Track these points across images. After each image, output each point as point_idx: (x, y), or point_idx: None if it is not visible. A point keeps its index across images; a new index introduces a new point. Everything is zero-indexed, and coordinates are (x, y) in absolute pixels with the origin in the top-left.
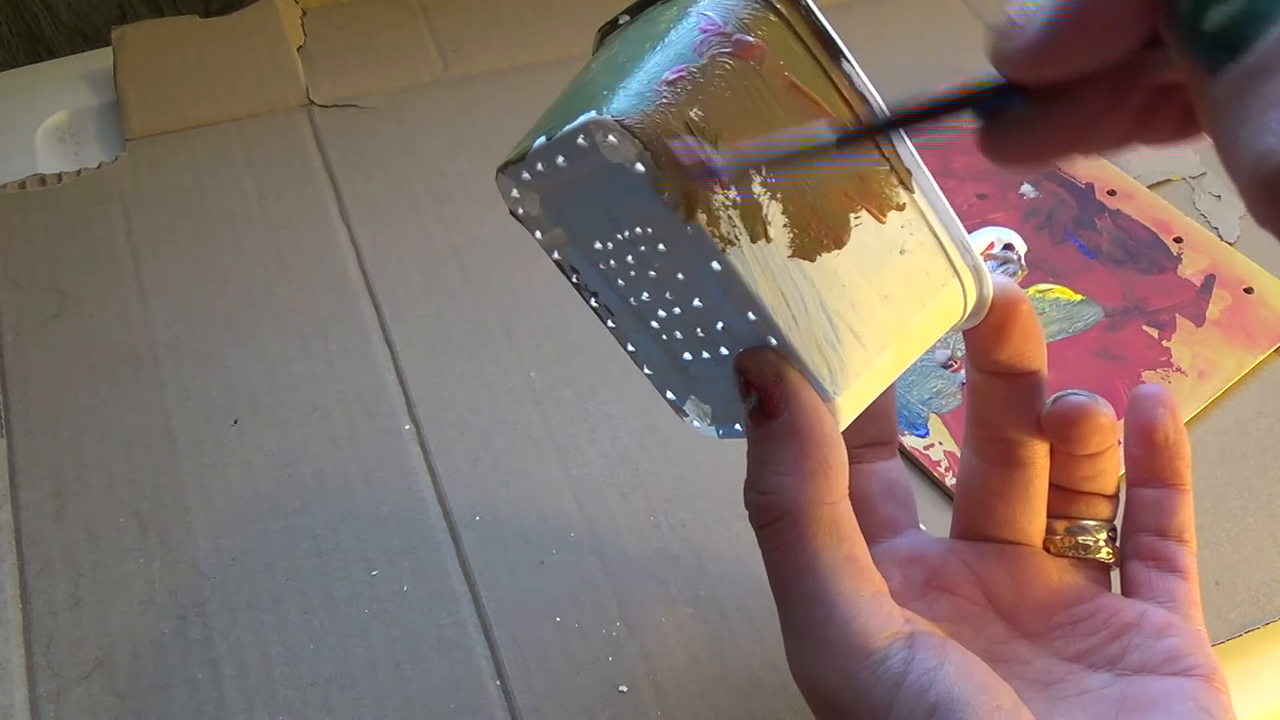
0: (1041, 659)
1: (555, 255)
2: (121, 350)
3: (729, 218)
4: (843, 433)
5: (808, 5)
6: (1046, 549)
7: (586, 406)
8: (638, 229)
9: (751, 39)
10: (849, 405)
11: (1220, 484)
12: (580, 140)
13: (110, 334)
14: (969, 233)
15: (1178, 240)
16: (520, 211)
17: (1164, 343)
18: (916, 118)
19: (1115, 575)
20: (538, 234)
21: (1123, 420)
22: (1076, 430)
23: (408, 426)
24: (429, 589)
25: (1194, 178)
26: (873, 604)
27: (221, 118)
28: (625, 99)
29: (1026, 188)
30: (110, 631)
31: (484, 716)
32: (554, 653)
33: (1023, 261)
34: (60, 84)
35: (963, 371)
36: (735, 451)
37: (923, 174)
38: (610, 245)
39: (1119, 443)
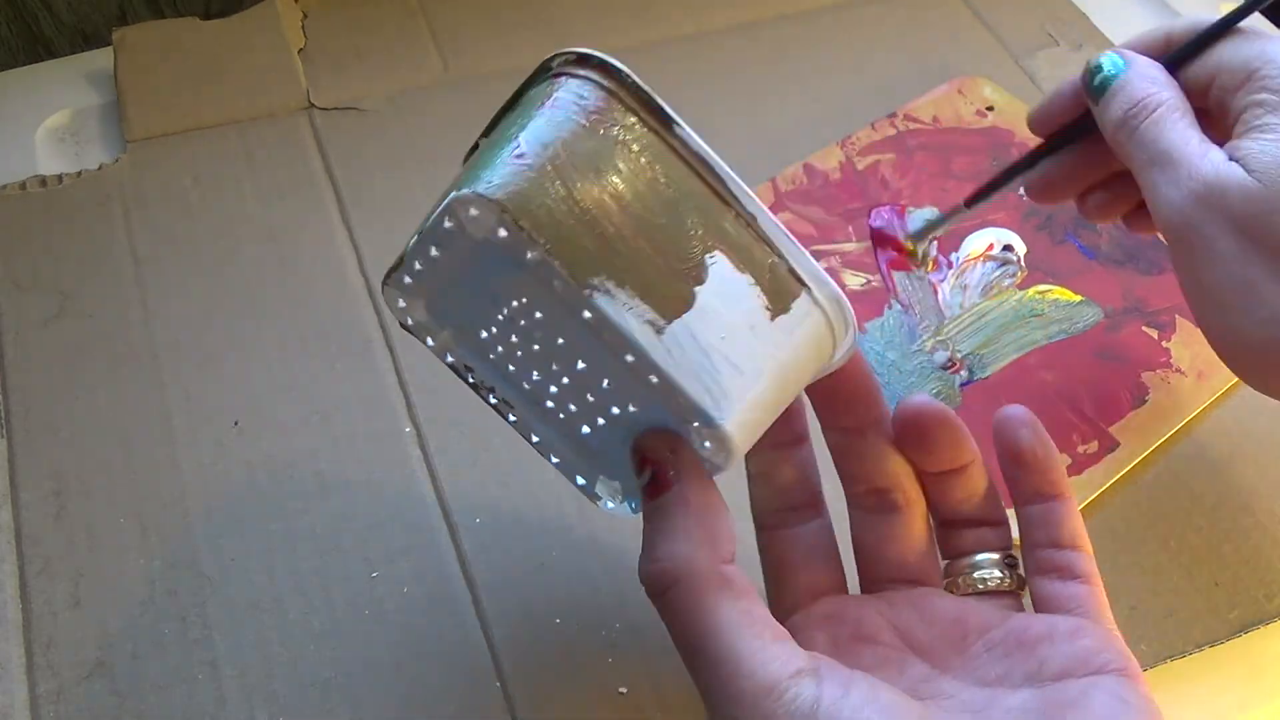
0: (965, 690)
1: (449, 359)
2: (121, 351)
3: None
4: (766, 500)
5: (633, 81)
6: (952, 590)
7: None
8: (514, 303)
9: (594, 112)
10: (740, 433)
11: (1220, 484)
12: (446, 223)
13: (110, 335)
14: (970, 233)
15: None
16: (409, 322)
17: (1164, 343)
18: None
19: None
20: (429, 341)
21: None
22: (921, 427)
23: (408, 428)
24: (429, 590)
25: None
26: (775, 648)
27: (222, 119)
28: (480, 178)
29: None
30: (110, 631)
31: (484, 717)
32: (554, 653)
33: (1022, 262)
34: (60, 84)
35: (963, 371)
36: None
37: (763, 213)
38: (495, 330)
39: (983, 467)
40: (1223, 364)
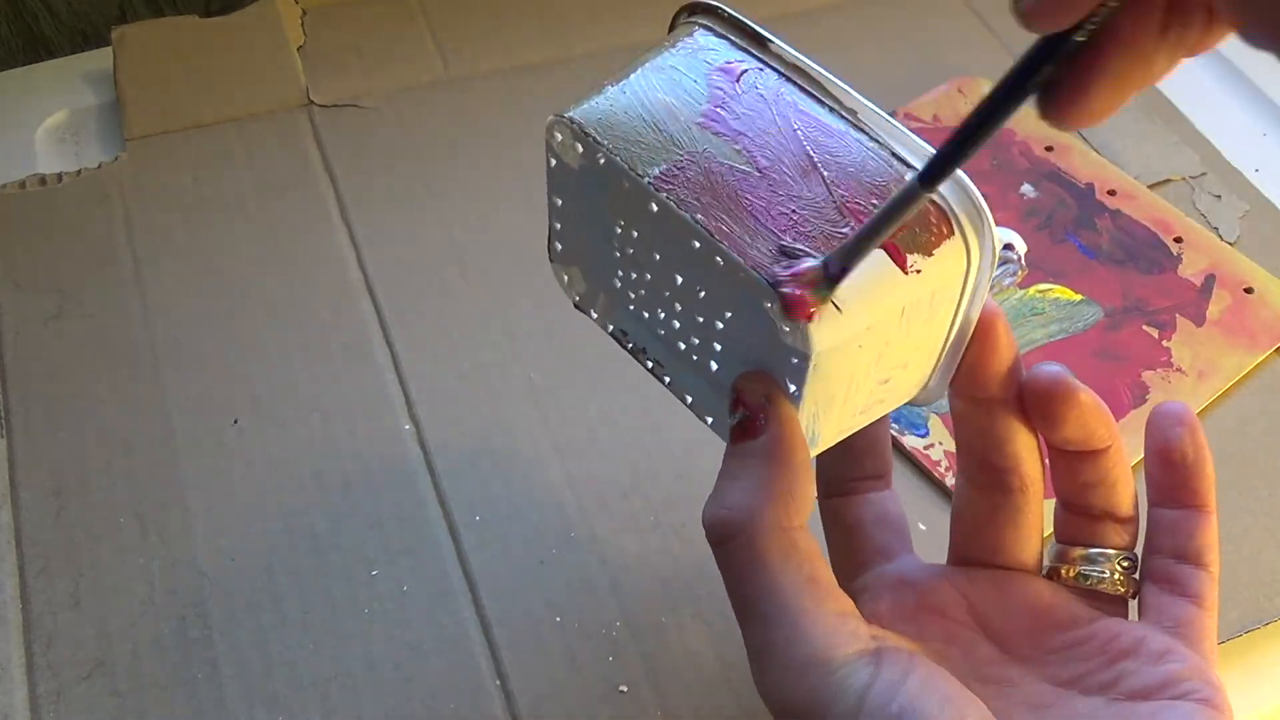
0: (1032, 683)
1: (610, 327)
2: (121, 350)
3: None
4: (839, 464)
5: (727, 13)
6: (1054, 577)
7: (586, 406)
8: (618, 229)
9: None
10: (829, 433)
11: (1220, 484)
12: (550, 161)
13: (110, 334)
14: None
15: (1178, 240)
16: (576, 296)
17: (1164, 343)
18: (975, 133)
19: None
20: (593, 313)
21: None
22: (1053, 401)
23: (407, 426)
24: (429, 589)
25: (1194, 178)
26: (836, 622)
27: (221, 118)
28: (568, 109)
29: (1026, 188)
30: (110, 631)
31: (484, 716)
32: (554, 653)
33: (1023, 261)
34: (60, 84)
35: None
36: None
37: (864, 108)
38: (621, 273)
39: (1125, 460)
40: (1223, 364)
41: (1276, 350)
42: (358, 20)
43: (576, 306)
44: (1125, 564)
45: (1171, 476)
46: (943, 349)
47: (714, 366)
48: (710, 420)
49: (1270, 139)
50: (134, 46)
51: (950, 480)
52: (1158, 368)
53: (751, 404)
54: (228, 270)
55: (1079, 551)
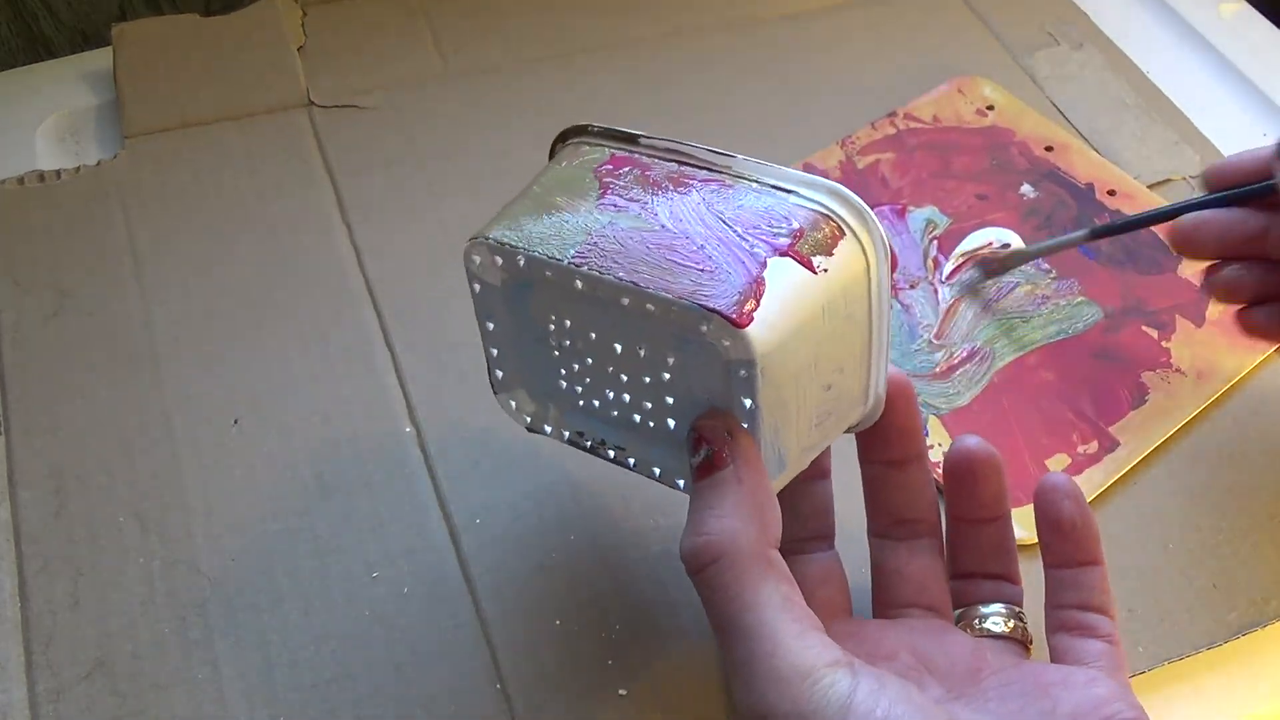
0: (979, 717)
1: (565, 435)
2: (121, 350)
3: None
4: (788, 525)
5: (598, 126)
6: (964, 630)
7: None
8: (551, 325)
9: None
10: (794, 449)
11: (1219, 485)
12: (475, 287)
13: (110, 333)
14: (969, 232)
15: None
16: (527, 419)
17: (1164, 343)
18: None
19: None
20: (547, 429)
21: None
22: (971, 469)
23: (408, 428)
24: (429, 591)
25: (1194, 178)
26: (814, 637)
27: (221, 117)
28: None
29: (1026, 188)
30: (110, 631)
31: (484, 717)
32: (554, 655)
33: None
34: (60, 83)
35: (968, 366)
36: None
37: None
38: (564, 371)
39: (1010, 530)
40: (1223, 364)
41: (1276, 350)
42: (358, 20)
43: (529, 429)
44: (1019, 613)
45: (1066, 543)
46: (869, 350)
47: (672, 424)
48: (682, 484)
49: (1270, 139)
50: (134, 46)
51: None
52: (1157, 368)
53: (714, 439)
54: (228, 270)
55: (977, 609)
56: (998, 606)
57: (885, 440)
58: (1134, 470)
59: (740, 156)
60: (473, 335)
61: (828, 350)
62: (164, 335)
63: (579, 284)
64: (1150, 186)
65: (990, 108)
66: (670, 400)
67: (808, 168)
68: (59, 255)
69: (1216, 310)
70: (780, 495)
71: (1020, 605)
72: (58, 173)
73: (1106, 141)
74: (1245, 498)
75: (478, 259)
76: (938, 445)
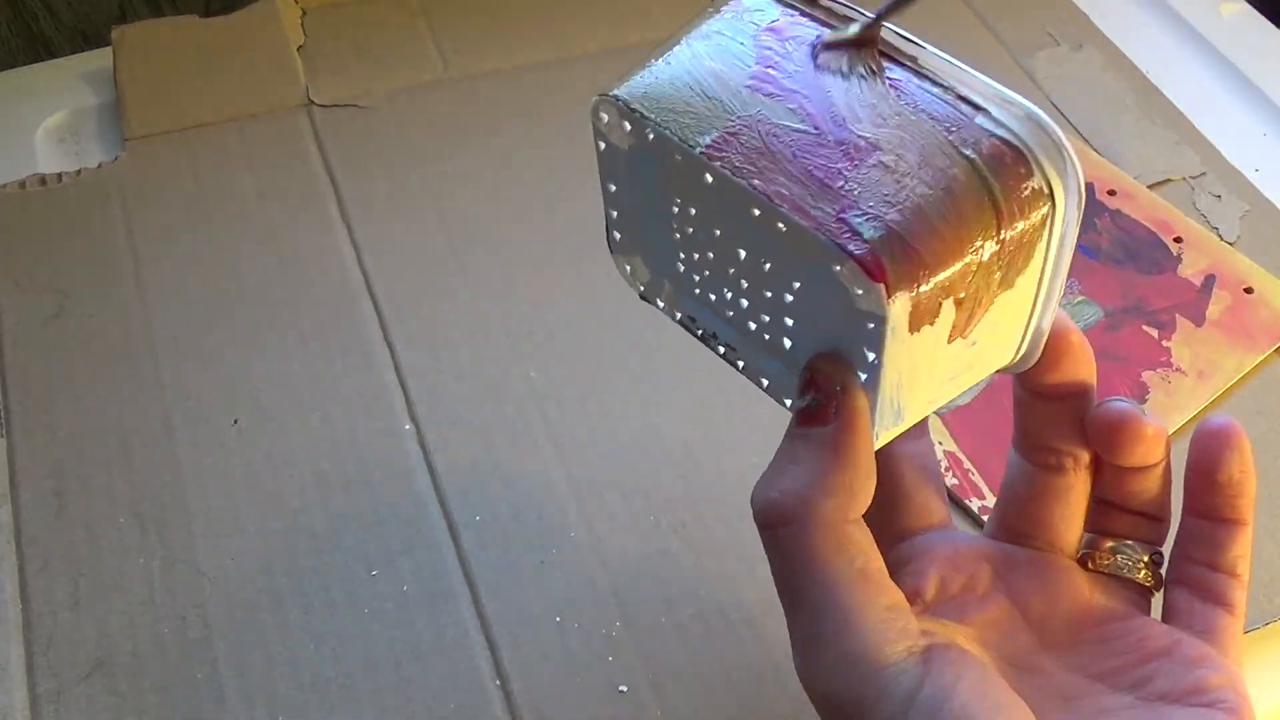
0: (1064, 673)
1: (677, 315)
2: (121, 350)
3: None
4: (887, 515)
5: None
6: (1085, 564)
7: (586, 406)
8: (676, 209)
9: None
10: (917, 404)
11: None
12: (600, 145)
13: (110, 334)
14: None
15: (1178, 240)
16: (640, 287)
17: (1164, 343)
18: None
19: (1156, 600)
20: (659, 302)
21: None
22: (1120, 437)
23: (407, 426)
24: (429, 589)
25: (1194, 178)
26: (887, 616)
27: (221, 117)
28: (609, 89)
29: None
30: (110, 631)
31: (484, 716)
32: (554, 653)
33: None
34: (60, 84)
35: None
36: (736, 452)
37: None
38: (683, 256)
39: (1168, 465)
40: (1223, 364)
41: (1276, 350)
42: (358, 20)
43: (642, 297)
44: (1153, 557)
45: (1216, 495)
46: (1033, 304)
47: (788, 344)
48: (789, 402)
49: (1270, 139)
50: (134, 46)
51: (951, 480)
52: (1158, 368)
53: (825, 389)
54: (228, 270)
55: (1109, 543)
56: (1133, 545)
57: (1048, 382)
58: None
59: (930, 49)
60: (472, 335)
61: (981, 306)
62: (164, 335)
63: (708, 178)
64: (1150, 186)
65: None
66: (790, 322)
67: None
68: (59, 257)
69: (1216, 310)
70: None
71: (1160, 546)
72: (59, 175)
73: (1106, 141)
74: None
75: (605, 117)
76: (938, 443)
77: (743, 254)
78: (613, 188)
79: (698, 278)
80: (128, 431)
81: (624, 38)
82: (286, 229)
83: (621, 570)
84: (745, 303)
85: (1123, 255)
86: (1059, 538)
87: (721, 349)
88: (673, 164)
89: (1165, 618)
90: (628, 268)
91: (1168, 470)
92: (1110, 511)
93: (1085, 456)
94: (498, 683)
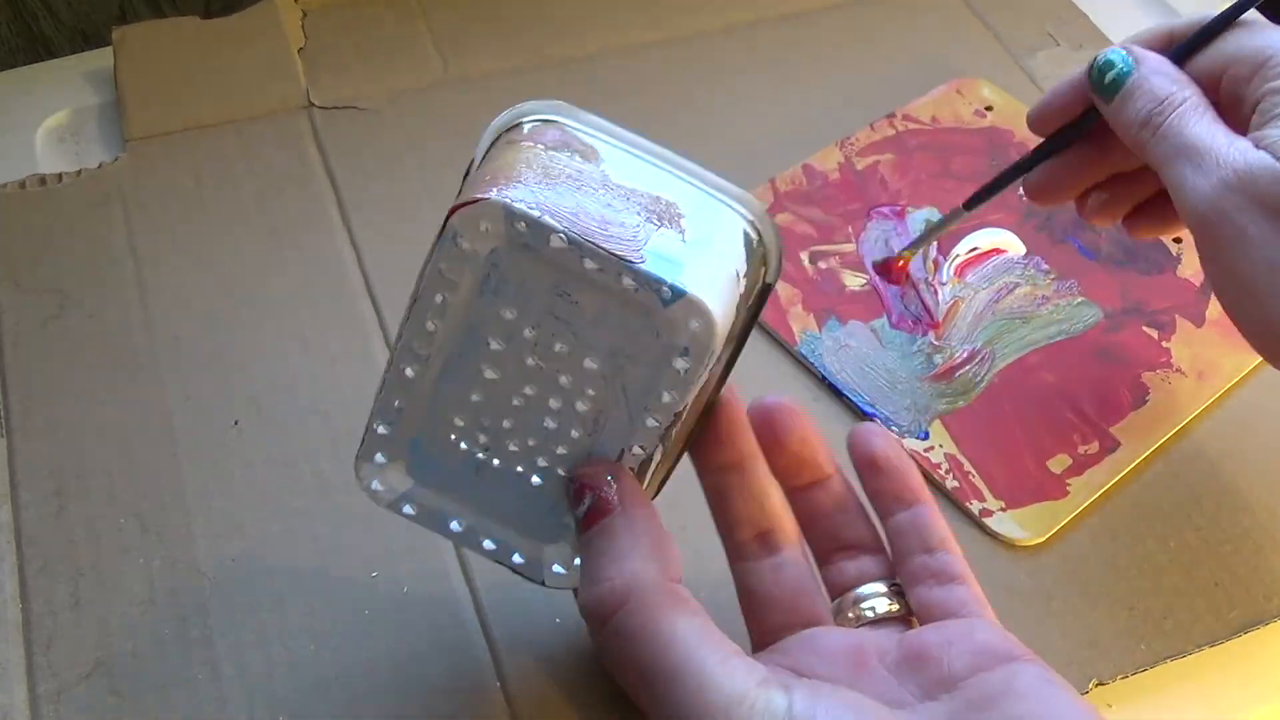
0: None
1: (420, 516)
2: (121, 350)
3: None
4: (727, 523)
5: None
6: (843, 625)
7: None
8: (509, 310)
9: None
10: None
11: (1220, 485)
12: (464, 244)
13: (110, 334)
14: (969, 234)
15: (1177, 240)
16: (390, 498)
17: (1164, 343)
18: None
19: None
20: (407, 509)
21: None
22: (775, 415)
23: None
24: (429, 590)
25: None
26: (737, 660)
27: (222, 118)
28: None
29: None
30: (110, 631)
31: (484, 716)
32: (554, 653)
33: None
34: (60, 84)
35: (968, 369)
36: None
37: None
38: (490, 376)
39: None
40: (1223, 364)
41: None
42: (358, 21)
43: (388, 507)
44: (895, 589)
45: (884, 481)
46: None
47: (536, 480)
48: (516, 557)
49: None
50: (134, 47)
51: (951, 483)
52: (1157, 369)
53: (597, 484)
54: (228, 270)
55: (851, 595)
56: (871, 587)
57: (716, 443)
58: (1135, 470)
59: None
60: None
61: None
62: (164, 336)
63: (556, 242)
64: None
65: (989, 108)
66: (580, 407)
67: (807, 169)
68: (60, 257)
69: (1216, 310)
70: (718, 498)
71: (892, 575)
72: (59, 176)
73: None
74: (1246, 497)
75: (484, 225)
76: (938, 446)
77: (559, 348)
78: (430, 326)
79: (466, 439)
80: (128, 431)
81: (624, 38)
82: (286, 229)
83: None
84: (514, 444)
85: (1122, 256)
86: (809, 613)
87: (460, 534)
88: (523, 260)
89: (919, 616)
90: (376, 484)
91: (851, 489)
92: (835, 567)
93: (791, 525)
94: (498, 684)
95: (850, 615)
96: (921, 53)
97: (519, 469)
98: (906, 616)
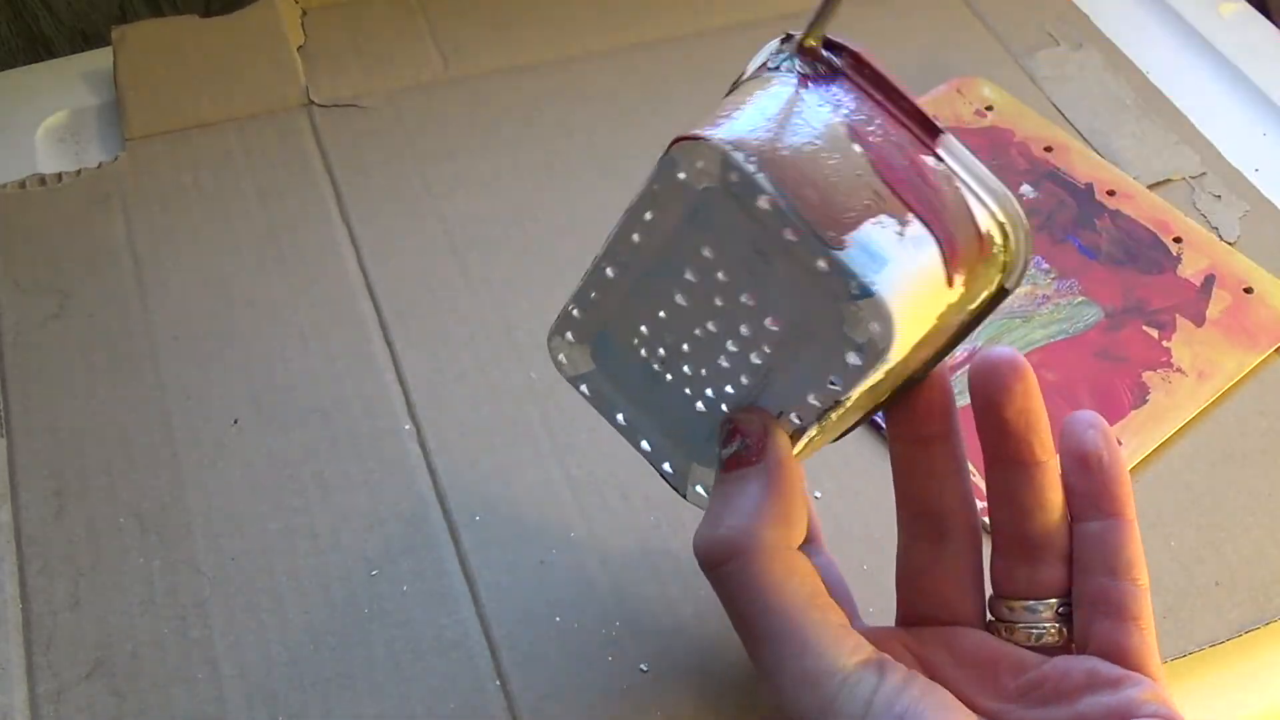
0: None
1: (596, 401)
2: (121, 350)
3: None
4: None
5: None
6: (993, 633)
7: (586, 406)
8: (705, 250)
9: None
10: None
11: (1220, 484)
12: (680, 175)
13: (110, 334)
14: None
15: (1177, 240)
16: (571, 373)
17: (1164, 343)
18: None
19: None
20: (584, 389)
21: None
22: (999, 378)
23: (407, 426)
24: (429, 589)
25: (1194, 178)
26: (841, 633)
27: (221, 117)
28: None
29: (1026, 188)
30: (110, 631)
31: (484, 716)
32: (554, 653)
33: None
34: (60, 84)
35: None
36: None
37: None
38: (667, 318)
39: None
40: (1223, 364)
41: (1276, 350)
42: (358, 20)
43: (569, 379)
44: (1063, 610)
45: (1090, 483)
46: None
47: (700, 407)
48: (694, 488)
49: (1270, 139)
50: (134, 46)
51: None
52: (1158, 368)
53: (750, 432)
54: (228, 270)
55: (1019, 605)
56: (1041, 608)
57: (912, 413)
58: (1135, 469)
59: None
60: (472, 335)
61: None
62: (164, 335)
63: (764, 204)
64: (1150, 186)
65: (989, 108)
66: (754, 359)
67: None
68: (60, 257)
69: (1217, 310)
70: (900, 468)
71: (1067, 596)
72: (59, 175)
73: (1106, 142)
74: (1246, 496)
75: (700, 164)
76: None
77: (744, 298)
78: (636, 238)
79: (646, 348)
80: (128, 431)
81: (624, 38)
82: (286, 229)
83: (621, 570)
84: (688, 367)
85: (1122, 255)
86: (958, 609)
87: (625, 426)
88: (726, 205)
89: (1076, 639)
90: (562, 357)
91: (1058, 485)
92: (1011, 565)
93: (970, 520)
94: (497, 682)
95: (1004, 629)
96: (922, 52)
97: (687, 390)
98: (1069, 643)
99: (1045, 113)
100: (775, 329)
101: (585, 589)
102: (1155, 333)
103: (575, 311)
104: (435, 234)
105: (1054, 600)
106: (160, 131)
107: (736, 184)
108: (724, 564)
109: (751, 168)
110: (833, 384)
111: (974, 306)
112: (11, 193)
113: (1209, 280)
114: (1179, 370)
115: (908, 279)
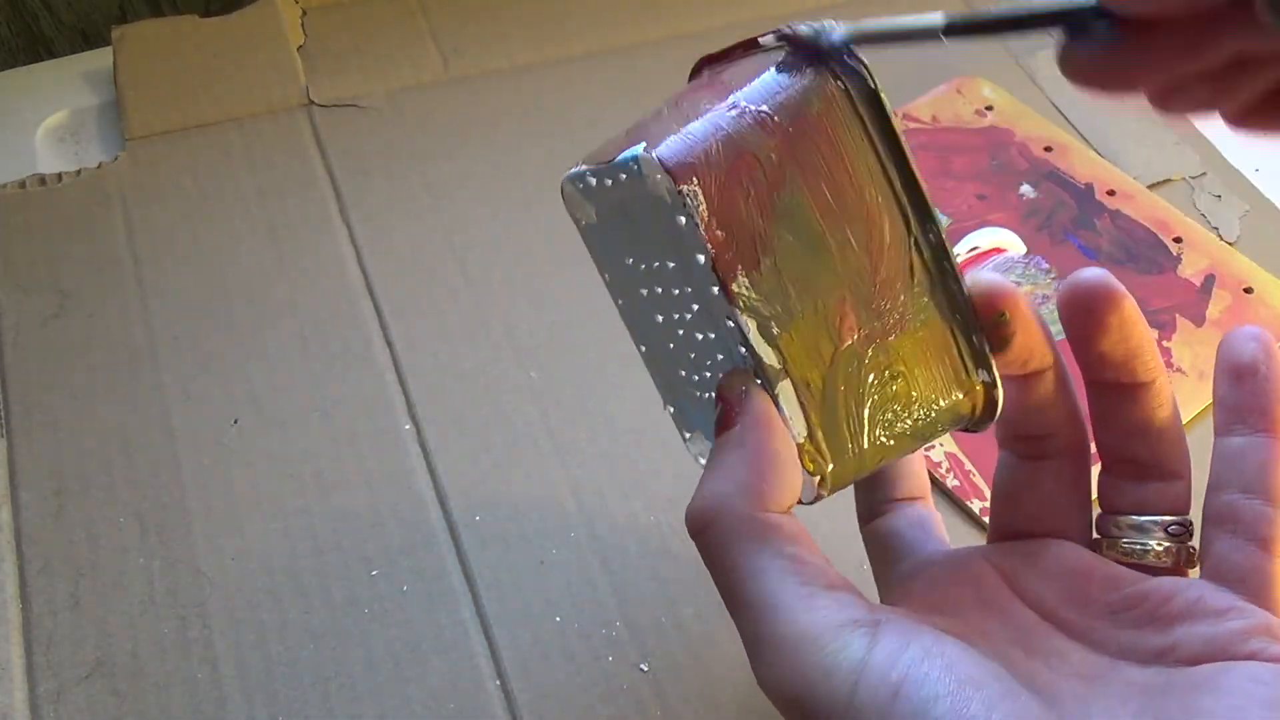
0: (1080, 652)
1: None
2: (121, 350)
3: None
4: (874, 490)
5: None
6: (1097, 550)
7: (586, 406)
8: (651, 258)
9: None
10: (835, 478)
11: None
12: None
13: (110, 334)
14: (969, 232)
15: (1177, 240)
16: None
17: (1164, 343)
18: (1010, 24)
19: None
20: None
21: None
22: (1095, 301)
23: (407, 426)
24: (429, 589)
25: (1194, 178)
26: (825, 598)
27: (221, 117)
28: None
29: (1026, 188)
30: (110, 631)
31: (484, 716)
32: (554, 653)
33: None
34: (60, 84)
35: None
36: None
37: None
38: (633, 271)
39: (1171, 402)
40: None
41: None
42: (358, 20)
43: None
44: (1174, 530)
45: (1240, 395)
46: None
47: (707, 374)
48: (671, 408)
49: (1270, 139)
50: (134, 46)
51: (952, 482)
52: None
53: (727, 396)
54: (228, 270)
55: (1124, 520)
56: (1141, 525)
57: (1000, 354)
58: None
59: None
60: (472, 335)
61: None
62: (164, 335)
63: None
64: (1150, 186)
65: (989, 108)
66: (711, 333)
67: None
68: (60, 257)
69: (1217, 310)
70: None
71: (1182, 514)
72: (59, 175)
73: (1106, 142)
74: None
75: (659, 177)
76: (939, 444)
77: (675, 280)
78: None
79: (660, 313)
80: (128, 431)
81: (624, 38)
82: (286, 229)
83: (621, 570)
84: (690, 344)
85: (1122, 255)
86: (1061, 526)
87: (646, 357)
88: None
89: (1200, 562)
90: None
91: (1170, 404)
92: (1119, 482)
93: (1074, 437)
94: (497, 682)
95: (1106, 544)
96: (922, 52)
97: (692, 355)
98: (1182, 568)
99: (1045, 113)
100: (690, 289)
101: (585, 589)
102: (1155, 333)
103: (620, 301)
104: (435, 234)
105: (1165, 517)
106: (160, 131)
107: (581, 190)
108: (704, 531)
109: (580, 168)
110: (701, 259)
111: (857, 112)
112: (11, 193)
113: (1209, 280)
114: (1179, 370)
115: (683, 134)
